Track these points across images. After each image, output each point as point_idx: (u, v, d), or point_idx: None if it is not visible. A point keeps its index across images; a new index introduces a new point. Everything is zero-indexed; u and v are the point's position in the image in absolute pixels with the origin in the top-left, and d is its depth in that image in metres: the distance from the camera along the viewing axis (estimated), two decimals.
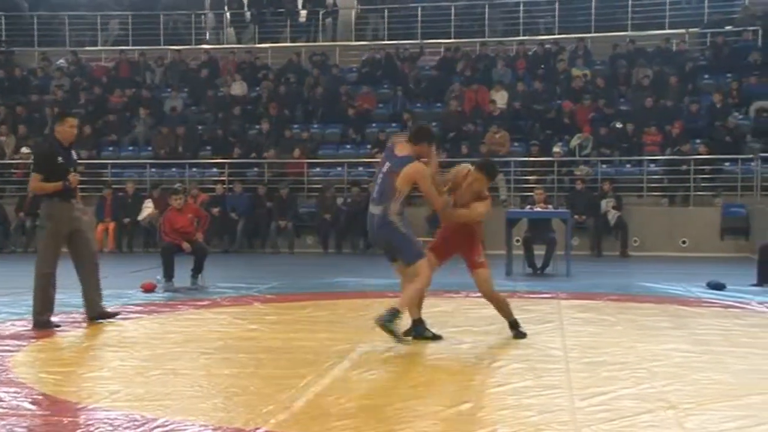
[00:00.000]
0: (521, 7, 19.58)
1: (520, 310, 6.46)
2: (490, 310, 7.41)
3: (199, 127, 17.55)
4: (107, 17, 21.44)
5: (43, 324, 6.57)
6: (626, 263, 13.04)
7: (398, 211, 5.79)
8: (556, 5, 19.43)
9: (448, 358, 5.62)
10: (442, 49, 18.85)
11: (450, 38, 19.39)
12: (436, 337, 6.03)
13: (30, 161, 11.96)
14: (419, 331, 6.01)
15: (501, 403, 4.44)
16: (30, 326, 6.60)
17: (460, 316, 6.94)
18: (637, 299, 8.26)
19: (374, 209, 5.87)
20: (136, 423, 4.03)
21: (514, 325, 6.18)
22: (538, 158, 15.06)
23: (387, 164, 5.90)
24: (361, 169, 16.00)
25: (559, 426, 3.97)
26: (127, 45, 20.58)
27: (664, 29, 18.49)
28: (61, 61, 20.08)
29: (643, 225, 14.28)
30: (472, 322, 6.81)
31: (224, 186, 15.52)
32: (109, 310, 7.11)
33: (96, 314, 6.90)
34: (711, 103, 15.86)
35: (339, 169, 16.04)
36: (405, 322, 5.95)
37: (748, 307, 7.76)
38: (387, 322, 5.63)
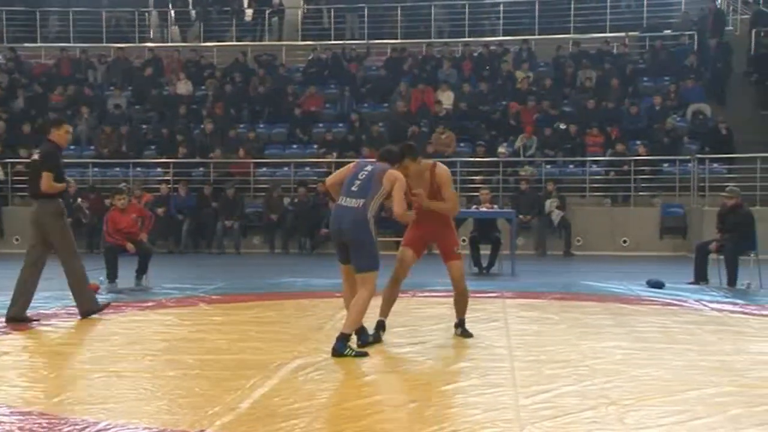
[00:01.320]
0: (467, 9, 19.77)
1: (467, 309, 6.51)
2: (437, 309, 7.50)
3: (143, 127, 17.29)
4: (47, 13, 20.96)
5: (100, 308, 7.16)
6: (570, 262, 13.27)
7: (374, 212, 5.64)
8: (501, 7, 19.68)
9: (394, 357, 5.65)
10: (388, 50, 18.92)
11: (396, 39, 19.48)
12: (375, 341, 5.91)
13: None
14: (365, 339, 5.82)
15: (447, 401, 4.48)
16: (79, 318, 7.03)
17: (406, 316, 6.98)
18: (579, 298, 8.41)
19: (350, 202, 5.58)
20: (78, 427, 3.96)
21: (461, 323, 6.22)
22: (484, 159, 15.23)
23: (369, 166, 5.77)
24: (308, 169, 15.97)
25: (503, 423, 4.03)
26: (68, 42, 20.15)
27: (605, 32, 18.88)
28: None
29: (585, 225, 14.56)
30: (419, 321, 6.86)
31: (169, 186, 15.32)
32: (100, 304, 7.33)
33: (90, 309, 7.14)
34: (650, 105, 16.25)
35: (286, 169, 15.98)
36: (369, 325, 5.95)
37: (685, 304, 7.98)
38: (340, 350, 5.45)
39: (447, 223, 6.02)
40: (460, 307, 6.23)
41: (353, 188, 5.64)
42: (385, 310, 6.09)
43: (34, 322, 6.83)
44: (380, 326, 6.07)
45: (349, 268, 5.68)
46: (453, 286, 6.12)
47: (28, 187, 7.38)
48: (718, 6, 18.47)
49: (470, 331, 6.22)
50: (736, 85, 17.50)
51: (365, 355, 5.55)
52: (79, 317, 7.09)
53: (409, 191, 5.85)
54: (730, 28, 18.89)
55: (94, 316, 7.11)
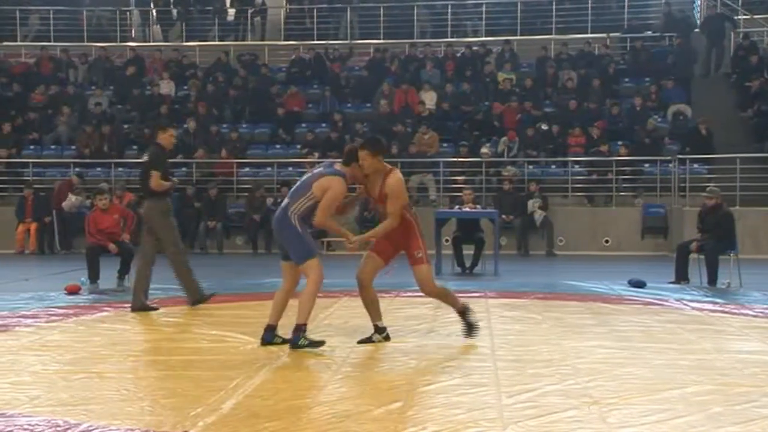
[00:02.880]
0: (449, 9, 19.82)
1: (448, 309, 6.52)
2: (419, 310, 7.52)
3: (125, 126, 17.18)
4: (27, 12, 20.77)
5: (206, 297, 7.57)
6: (552, 262, 13.34)
7: (302, 213, 5.68)
8: (483, 8, 19.74)
9: (377, 357, 5.65)
10: (371, 50, 18.92)
11: (379, 39, 19.49)
12: (285, 341, 5.82)
13: None
14: (269, 338, 5.84)
15: (430, 401, 4.49)
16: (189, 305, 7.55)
17: (389, 316, 6.96)
18: (562, 297, 8.46)
19: (284, 203, 5.84)
20: (59, 428, 3.93)
21: (464, 312, 6.04)
22: (467, 159, 15.27)
23: (317, 169, 5.88)
24: (290, 169, 15.94)
25: (487, 423, 4.04)
26: (49, 41, 19.99)
27: (587, 33, 18.99)
28: None
29: (567, 224, 14.64)
30: (401, 321, 6.87)
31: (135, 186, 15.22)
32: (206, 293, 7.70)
33: (199, 298, 7.59)
34: (631, 105, 16.36)
35: (268, 169, 15.94)
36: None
37: (666, 303, 8.04)
38: (297, 343, 5.60)
39: (408, 228, 5.85)
40: (448, 302, 6.09)
41: (291, 190, 5.94)
42: (373, 314, 6.03)
43: (155, 311, 7.40)
44: (375, 330, 6.03)
45: (288, 264, 5.84)
46: (420, 290, 6.06)
47: (139, 187, 8.07)
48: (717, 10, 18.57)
49: (475, 322, 6.07)
50: (717, 86, 17.65)
51: (320, 344, 5.65)
52: (130, 311, 7.42)
53: (370, 197, 5.84)
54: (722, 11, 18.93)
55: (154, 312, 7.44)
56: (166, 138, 7.63)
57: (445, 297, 6.13)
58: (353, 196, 6.09)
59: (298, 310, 5.70)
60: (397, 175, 5.81)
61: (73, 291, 8.65)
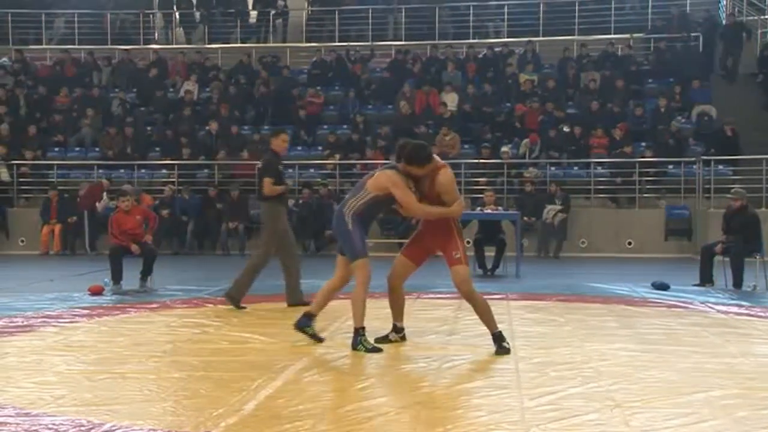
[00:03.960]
0: (471, 11, 19.77)
1: (470, 311, 6.51)
2: (441, 312, 7.50)
3: (148, 128, 17.31)
4: (52, 15, 21.01)
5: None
6: (574, 264, 13.25)
7: (358, 210, 5.77)
8: (505, 9, 19.67)
9: (398, 359, 5.64)
10: (392, 52, 18.92)
11: (401, 41, 19.49)
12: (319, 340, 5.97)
13: None
14: (302, 323, 5.95)
15: (452, 403, 4.47)
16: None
17: (410, 318, 6.95)
18: (584, 299, 8.40)
19: (342, 202, 6.00)
20: (83, 428, 3.96)
21: (497, 338, 5.73)
22: (489, 160, 15.22)
23: (377, 169, 6.01)
24: (312, 170, 15.98)
25: (509, 426, 4.02)
26: (74, 44, 20.20)
27: (610, 34, 18.86)
28: (5, 60, 19.62)
29: (590, 226, 14.54)
30: (423, 323, 6.85)
31: (173, 188, 15.33)
32: (304, 299, 7.62)
33: (295, 301, 7.67)
34: (655, 106, 16.23)
35: (290, 170, 15.97)
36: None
37: (691, 306, 7.96)
38: (355, 347, 5.73)
39: (447, 228, 5.78)
40: (482, 318, 5.78)
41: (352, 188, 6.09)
42: (395, 314, 6.06)
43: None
44: (393, 328, 6.08)
45: (343, 258, 5.92)
46: (457, 291, 5.95)
47: (256, 191, 8.35)
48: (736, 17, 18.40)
49: (508, 347, 5.73)
50: (743, 87, 17.46)
51: (378, 350, 5.70)
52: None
53: (419, 192, 5.78)
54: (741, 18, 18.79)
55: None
56: (279, 143, 7.82)
57: (478, 307, 5.80)
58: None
59: (352, 313, 5.80)
60: (447, 173, 5.74)
61: (96, 292, 8.73)
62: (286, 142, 7.97)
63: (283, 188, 7.80)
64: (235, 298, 7.75)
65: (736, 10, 18.98)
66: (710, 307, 7.87)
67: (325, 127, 16.95)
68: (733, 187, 11.01)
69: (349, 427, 4.00)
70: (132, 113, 17.50)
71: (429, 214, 5.79)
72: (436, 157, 5.85)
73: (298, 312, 7.61)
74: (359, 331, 5.76)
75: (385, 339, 6.01)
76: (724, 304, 8.06)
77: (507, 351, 5.68)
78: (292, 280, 7.87)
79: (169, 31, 21.31)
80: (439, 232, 5.81)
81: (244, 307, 7.70)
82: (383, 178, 5.76)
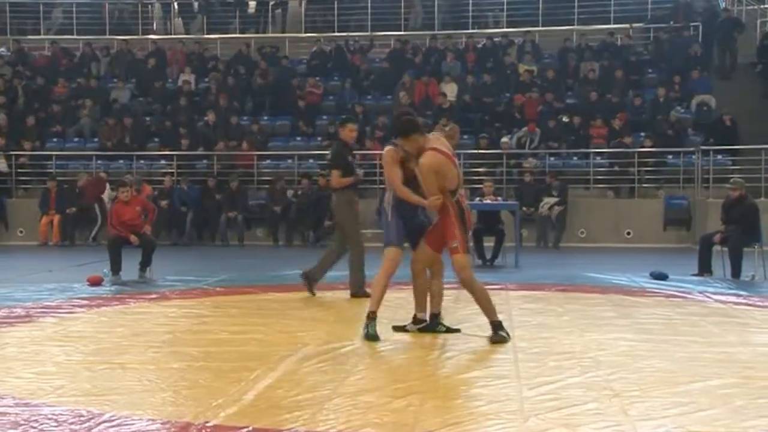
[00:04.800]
0: (470, 1, 19.71)
1: (469, 301, 6.51)
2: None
3: (147, 119, 17.29)
4: (50, 5, 20.95)
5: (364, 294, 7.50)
6: (573, 254, 13.26)
7: (388, 199, 5.92)
8: None
9: (397, 349, 5.65)
10: (392, 42, 18.87)
11: (400, 31, 19.43)
12: (451, 330, 5.99)
13: None
14: (433, 326, 6.01)
15: (451, 393, 4.48)
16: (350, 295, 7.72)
17: (409, 308, 6.96)
18: (583, 289, 8.41)
19: None
20: (82, 418, 3.97)
21: (495, 326, 5.71)
22: (488, 151, 15.21)
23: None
24: (311, 161, 15.97)
25: (507, 415, 4.03)
26: (72, 34, 20.15)
27: (609, 24, 18.82)
28: (2, 50, 19.57)
29: (589, 216, 14.55)
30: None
31: (172, 178, 15.33)
32: (367, 290, 7.53)
33: (357, 291, 7.66)
34: (654, 96, 16.21)
35: (289, 161, 15.98)
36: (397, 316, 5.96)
37: (689, 296, 7.97)
38: (365, 328, 5.79)
39: (447, 218, 5.71)
40: (481, 306, 5.75)
41: None
42: (418, 304, 6.02)
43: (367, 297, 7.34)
44: (413, 319, 6.09)
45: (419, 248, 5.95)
46: (459, 282, 5.93)
47: (330, 180, 8.24)
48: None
49: (505, 335, 5.72)
50: (742, 76, 17.43)
51: (375, 339, 5.74)
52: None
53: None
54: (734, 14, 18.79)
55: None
56: (347, 133, 7.81)
57: (477, 295, 5.75)
58: None
59: (371, 297, 5.91)
60: (427, 157, 5.59)
61: (95, 282, 8.73)
62: (354, 131, 7.90)
63: (351, 179, 7.73)
64: (360, 292, 7.70)
65: (735, 2, 18.95)
66: (709, 297, 7.88)
67: (324, 117, 16.92)
68: (732, 177, 11.01)
69: (348, 416, 4.01)
70: (131, 106, 17.47)
71: (406, 197, 5.79)
72: (431, 139, 5.71)
73: (296, 302, 7.63)
74: (370, 315, 5.82)
75: (402, 329, 6.00)
76: (722, 294, 8.07)
77: (503, 339, 5.67)
78: (354, 270, 7.78)
79: (167, 21, 21.25)
80: (441, 222, 5.78)
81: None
82: (383, 156, 5.92)
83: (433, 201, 5.67)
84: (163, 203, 14.38)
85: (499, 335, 5.71)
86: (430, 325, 6.03)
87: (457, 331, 6.01)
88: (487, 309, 5.79)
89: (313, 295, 7.85)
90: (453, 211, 5.71)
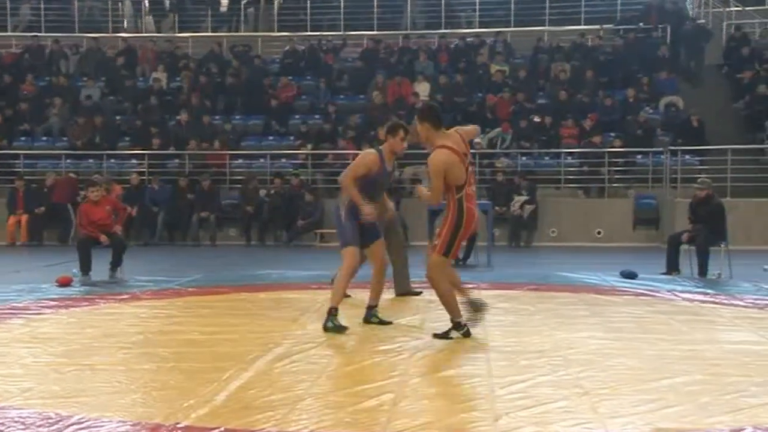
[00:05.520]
0: (443, 1, 19.78)
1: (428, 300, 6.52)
2: (412, 302, 7.53)
3: (117, 118, 17.13)
4: (18, 2, 20.65)
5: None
6: (544, 253, 13.36)
7: (343, 201, 6.16)
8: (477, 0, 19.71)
9: (371, 349, 5.66)
10: (365, 41, 18.88)
11: (373, 30, 19.44)
12: (383, 323, 6.28)
13: None
14: (368, 317, 6.31)
15: (422, 392, 4.50)
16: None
17: (380, 307, 6.99)
18: (555, 288, 8.48)
19: None
20: (50, 421, 3.93)
21: (454, 326, 5.76)
22: None
23: None
24: (284, 160, 15.93)
25: (479, 414, 4.06)
26: (40, 32, 19.89)
27: (580, 25, 18.99)
28: None
29: (560, 216, 14.67)
30: (395, 312, 6.87)
31: (142, 177, 15.20)
32: (414, 288, 7.83)
33: (403, 291, 7.78)
34: (624, 97, 16.38)
35: (262, 160, 15.92)
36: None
37: (658, 295, 8.08)
38: (325, 326, 6.02)
39: (444, 219, 5.68)
40: (444, 305, 5.77)
41: None
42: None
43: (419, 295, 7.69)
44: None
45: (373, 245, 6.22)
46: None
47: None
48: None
49: (451, 337, 5.73)
50: (709, 77, 17.68)
51: (342, 329, 5.96)
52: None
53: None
54: (702, 21, 19.08)
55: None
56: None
57: (444, 300, 5.75)
58: None
59: (331, 294, 6.14)
60: (437, 156, 5.58)
61: (64, 283, 8.63)
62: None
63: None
64: (408, 291, 7.80)
65: (702, 5, 19.22)
66: (677, 295, 7.99)
67: (297, 117, 16.89)
68: (699, 177, 11.16)
69: (320, 417, 4.01)
70: (101, 104, 17.29)
71: (351, 195, 6.00)
72: (444, 135, 5.69)
73: (269, 302, 7.62)
74: (332, 311, 6.04)
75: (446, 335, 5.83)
76: (689, 292, 8.18)
77: (446, 337, 5.73)
78: (403, 274, 7.86)
79: (138, 19, 21.06)
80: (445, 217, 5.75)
81: (420, 292, 7.75)
82: (359, 157, 6.14)
83: (368, 209, 5.94)
84: (131, 209, 13.31)
85: (445, 333, 5.76)
86: (366, 315, 6.30)
87: (389, 323, 6.25)
88: (450, 308, 5.81)
89: (419, 293, 7.77)
90: (451, 210, 5.66)
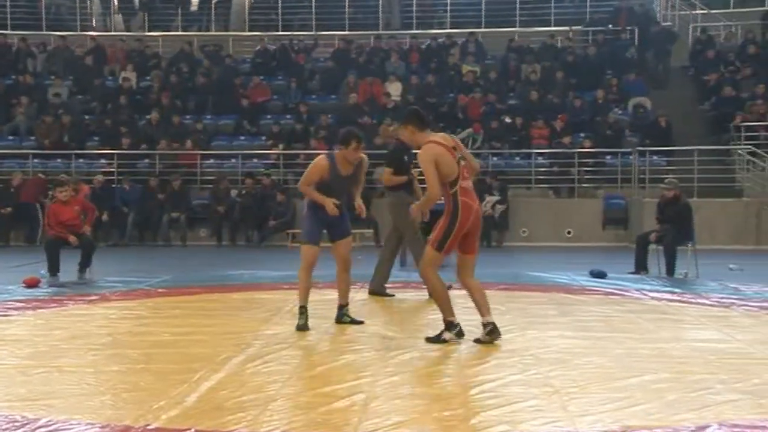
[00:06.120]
0: (414, 1, 19.83)
1: (414, 300, 6.57)
2: (384, 302, 7.54)
3: (86, 117, 16.94)
4: None
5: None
6: (515, 253, 13.45)
7: (308, 200, 6.28)
8: (448, 0, 19.78)
9: (343, 349, 5.66)
10: (336, 41, 18.86)
11: (344, 30, 19.44)
12: (355, 322, 6.35)
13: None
14: (339, 316, 6.39)
15: (394, 392, 4.51)
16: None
17: (354, 307, 6.99)
18: (525, 288, 8.54)
19: None
20: (17, 424, 3.88)
21: (446, 325, 5.65)
22: None
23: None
24: (255, 160, 15.87)
25: (450, 413, 4.08)
26: (6, 29, 19.60)
27: (550, 26, 19.14)
28: None
29: (530, 216, 14.77)
30: (366, 312, 6.88)
31: (111, 177, 15.04)
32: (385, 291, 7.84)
33: (377, 291, 7.78)
34: (593, 98, 16.55)
35: (233, 160, 15.84)
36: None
37: (627, 294, 8.17)
38: (298, 324, 6.14)
39: (443, 217, 5.60)
40: (437, 304, 5.71)
41: None
42: (479, 310, 5.80)
43: (392, 297, 7.74)
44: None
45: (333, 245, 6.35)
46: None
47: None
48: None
49: (445, 338, 5.64)
50: (675, 79, 17.92)
51: (305, 329, 6.07)
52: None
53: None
54: (669, 23, 19.34)
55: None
56: (407, 134, 7.73)
57: (436, 297, 5.69)
58: None
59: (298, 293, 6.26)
60: (424, 150, 5.53)
61: (32, 284, 8.52)
62: (414, 134, 7.86)
63: (402, 179, 7.69)
64: (383, 292, 7.82)
65: (669, 8, 19.47)
66: (645, 294, 8.09)
67: (269, 116, 16.83)
68: (667, 177, 11.31)
69: (292, 417, 4.01)
70: (69, 104, 17.08)
71: (310, 197, 6.14)
72: (432, 136, 5.67)
73: (240, 302, 7.59)
74: (301, 309, 6.17)
75: (476, 339, 5.68)
76: (657, 291, 8.29)
77: (441, 341, 5.61)
78: (382, 269, 7.88)
79: (107, 17, 20.84)
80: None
81: (392, 294, 7.83)
82: (315, 160, 6.23)
83: (329, 204, 6.03)
84: (100, 214, 12.73)
85: (438, 337, 5.65)
86: (337, 315, 6.36)
87: (361, 322, 6.30)
88: (443, 307, 5.74)
89: (392, 296, 7.81)
90: (447, 205, 5.58)
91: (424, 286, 6.77)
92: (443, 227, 5.58)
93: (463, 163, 5.63)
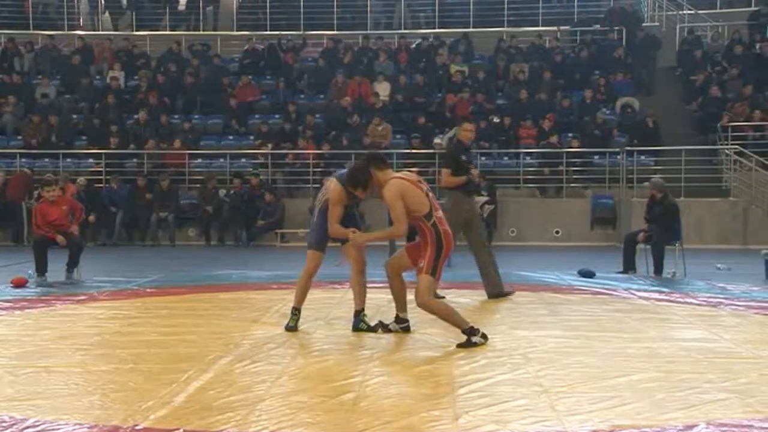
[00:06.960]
0: (403, 1, 19.84)
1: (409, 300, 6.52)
2: (374, 301, 7.52)
3: (74, 117, 16.86)
4: None
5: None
6: (504, 253, 13.45)
7: (319, 200, 6.20)
8: (436, 0, 19.81)
9: (331, 349, 5.66)
10: (324, 41, 18.85)
11: (333, 30, 19.43)
12: (371, 329, 6.14)
13: None
14: (356, 323, 6.17)
15: (383, 392, 4.52)
16: None
17: (344, 307, 6.99)
18: (514, 287, 8.55)
19: None
20: (4, 424, 3.86)
21: (467, 332, 5.61)
22: (420, 150, 15.33)
23: (336, 171, 6.39)
24: (243, 160, 15.84)
25: (440, 413, 4.09)
26: None
27: (538, 26, 19.20)
28: None
29: (519, 216, 14.81)
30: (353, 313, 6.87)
31: (98, 177, 14.98)
32: (505, 289, 7.79)
33: (496, 292, 7.71)
34: (581, 98, 16.61)
35: (221, 160, 15.80)
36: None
37: (615, 293, 8.21)
38: (288, 324, 6.12)
39: (423, 239, 5.73)
40: (449, 322, 5.73)
41: None
42: (396, 304, 6.09)
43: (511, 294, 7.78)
44: (395, 318, 6.11)
45: (345, 248, 6.21)
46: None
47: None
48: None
49: (476, 342, 5.61)
50: (663, 80, 18.01)
51: (293, 330, 6.05)
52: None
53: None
54: (656, 24, 19.43)
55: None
56: (462, 132, 7.82)
57: (440, 315, 5.72)
58: None
59: (295, 295, 6.25)
60: (388, 187, 5.68)
61: (19, 284, 8.48)
62: (469, 131, 7.81)
63: (462, 180, 7.62)
64: (501, 292, 7.76)
65: (656, 8, 19.56)
66: (633, 294, 8.13)
67: (257, 116, 16.80)
68: (653, 177, 11.36)
69: (281, 417, 4.01)
70: (57, 103, 16.99)
71: (335, 233, 5.98)
72: (392, 172, 5.83)
73: (229, 302, 7.57)
74: (294, 311, 6.15)
75: (385, 326, 6.03)
76: (645, 291, 8.33)
77: (472, 345, 5.54)
78: (489, 273, 7.78)
79: (95, 16, 20.74)
80: (421, 241, 5.77)
81: (510, 292, 7.83)
82: (331, 187, 6.04)
83: (394, 229, 5.84)
84: (90, 216, 12.97)
85: (469, 342, 5.57)
86: (354, 322, 6.17)
87: (377, 329, 6.07)
88: (455, 322, 5.72)
89: (510, 294, 7.80)
90: (429, 236, 5.69)
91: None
92: (431, 257, 5.70)
93: (431, 194, 5.84)
